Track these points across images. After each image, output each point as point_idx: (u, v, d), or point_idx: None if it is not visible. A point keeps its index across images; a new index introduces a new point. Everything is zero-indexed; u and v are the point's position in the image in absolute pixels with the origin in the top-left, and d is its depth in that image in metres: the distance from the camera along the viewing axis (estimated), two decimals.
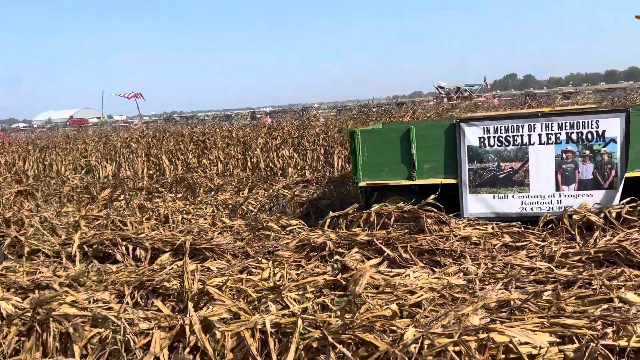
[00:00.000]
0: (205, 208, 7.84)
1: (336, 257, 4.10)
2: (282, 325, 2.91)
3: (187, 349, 2.93)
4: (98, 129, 16.26)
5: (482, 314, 3.07)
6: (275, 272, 4.08)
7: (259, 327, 2.86)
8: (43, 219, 6.87)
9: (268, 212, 7.39)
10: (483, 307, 3.19)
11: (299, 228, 6.17)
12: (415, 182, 6.18)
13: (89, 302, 3.31)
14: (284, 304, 3.50)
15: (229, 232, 6.17)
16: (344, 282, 3.65)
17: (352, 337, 2.74)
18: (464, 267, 4.39)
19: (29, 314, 3.25)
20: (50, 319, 3.11)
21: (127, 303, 3.40)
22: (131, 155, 11.15)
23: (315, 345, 2.80)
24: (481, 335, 2.69)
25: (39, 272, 4.52)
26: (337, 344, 2.71)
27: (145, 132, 13.47)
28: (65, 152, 12.00)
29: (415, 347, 2.60)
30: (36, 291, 3.94)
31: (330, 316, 2.98)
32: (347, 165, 10.46)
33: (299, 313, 3.01)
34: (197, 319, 2.95)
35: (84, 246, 5.52)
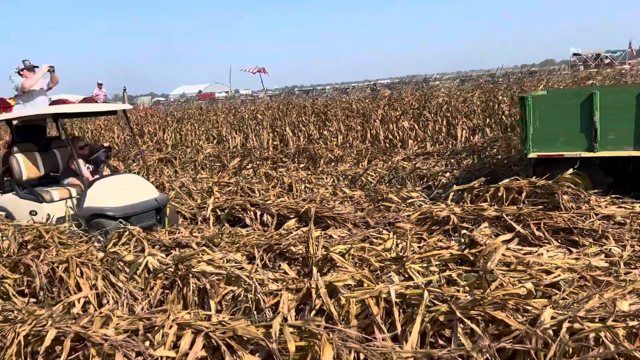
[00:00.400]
0: (326, 178, 7.97)
1: (463, 231, 3.93)
2: (407, 296, 2.86)
3: (313, 312, 3.01)
4: (227, 102, 17.24)
5: (632, 299, 2.75)
6: (398, 243, 4.03)
7: (383, 296, 2.84)
8: (181, 184, 7.48)
9: (387, 184, 7.32)
10: (632, 292, 2.87)
11: (419, 201, 6.04)
12: (597, 154, 5.60)
13: (224, 262, 3.53)
14: (406, 276, 3.46)
15: (349, 202, 6.23)
16: (471, 258, 3.50)
17: (482, 313, 2.61)
18: (606, 249, 3.98)
19: (172, 270, 3.56)
20: (190, 275, 3.37)
21: (258, 264, 3.57)
22: (257, 127, 11.68)
23: (441, 319, 2.73)
24: (631, 323, 2.42)
25: (179, 232, 4.93)
26: (465, 319, 2.61)
27: (270, 105, 13.99)
28: (198, 123, 12.92)
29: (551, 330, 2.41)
30: (176, 249, 4.30)
31: (458, 291, 2.87)
32: (471, 137, 9.99)
33: (425, 285, 2.94)
34: (323, 283, 3.01)
35: (217, 210, 5.93)
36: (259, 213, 5.87)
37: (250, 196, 6.66)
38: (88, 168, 5.90)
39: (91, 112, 6.59)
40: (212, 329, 2.34)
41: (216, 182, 7.39)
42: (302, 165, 9.20)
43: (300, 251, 3.92)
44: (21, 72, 6.70)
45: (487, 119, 10.44)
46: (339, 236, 4.75)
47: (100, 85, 18.27)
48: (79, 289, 3.70)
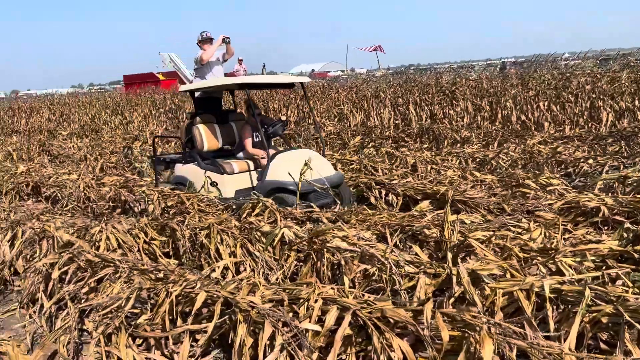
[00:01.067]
0: (452, 160, 7.63)
1: (626, 225, 3.49)
2: (563, 292, 2.59)
3: (452, 299, 2.86)
4: (349, 80, 17.20)
5: None
6: (544, 233, 3.69)
7: (535, 289, 2.60)
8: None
9: (522, 169, 6.81)
10: None
11: (561, 188, 5.53)
12: None
13: (357, 239, 3.47)
14: (554, 270, 3.15)
15: (481, 187, 5.89)
16: (636, 255, 3.09)
17: None
18: None
19: (306, 243, 3.58)
20: (325, 250, 3.37)
21: (392, 245, 3.48)
22: (379, 105, 11.52)
23: (604, 320, 2.43)
24: None
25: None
26: (636, 324, 2.29)
27: (392, 82, 13.71)
28: (321, 101, 13.05)
29: None
30: (307, 223, 4.34)
31: (626, 291, 2.54)
32: (618, 121, 8.96)
33: (585, 282, 2.64)
34: (465, 270, 2.83)
35: None
36: (383, 192, 5.76)
37: (374, 175, 6.57)
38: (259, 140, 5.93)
39: (273, 83, 6.63)
40: (359, 307, 2.29)
41: (340, 159, 7.39)
42: (425, 146, 8.91)
43: (435, 235, 3.75)
44: (199, 44, 6.80)
45: (638, 102, 9.29)
46: (470, 221, 4.49)
47: (240, 62, 19.07)
48: (219, 254, 3.89)
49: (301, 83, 6.43)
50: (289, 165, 5.23)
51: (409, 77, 14.81)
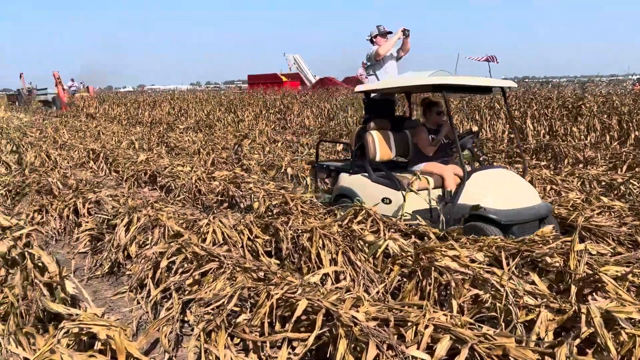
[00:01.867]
0: (574, 181, 6.96)
1: None
2: None
3: (577, 340, 2.51)
4: None
5: None
6: None
7: None
8: None
9: None
10: None
11: None
12: None
13: (469, 260, 3.21)
14: None
15: (609, 214, 5.27)
16: None
17: None
18: None
19: (412, 258, 3.38)
20: (432, 268, 3.14)
21: (508, 271, 3.17)
22: (493, 117, 10.91)
23: None
24: None
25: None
26: None
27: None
28: None
29: None
30: (412, 236, 4.12)
31: None
32: None
33: None
34: (597, 310, 2.47)
35: None
36: None
37: None
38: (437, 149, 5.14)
39: (474, 86, 4.93)
40: (476, 340, 2.06)
41: None
42: (542, 163, 8.24)
43: (557, 264, 3.37)
44: (373, 39, 6.08)
45: None
46: (598, 253, 4.00)
47: (364, 65, 19.38)
48: (319, 259, 3.80)
49: (501, 88, 5.38)
50: (489, 188, 4.35)
51: (529, 88, 13.89)
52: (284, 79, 29.15)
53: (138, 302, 3.43)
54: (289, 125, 14.77)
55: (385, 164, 5.28)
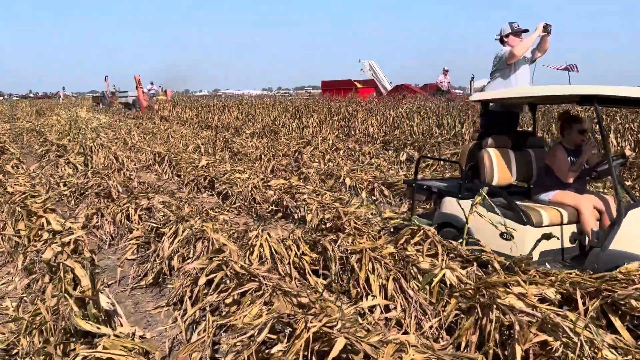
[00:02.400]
0: None
1: None
2: None
3: None
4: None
5: None
6: None
7: None
8: None
9: None
10: None
11: None
12: None
13: (537, 300, 2.80)
14: None
15: None
16: None
17: None
18: None
19: (471, 292, 3.01)
20: (494, 306, 2.76)
21: (586, 316, 2.73)
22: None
23: None
24: None
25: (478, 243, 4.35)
26: None
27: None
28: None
29: None
30: (474, 264, 3.73)
31: None
32: None
33: None
34: None
35: None
36: None
37: None
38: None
39: (635, 98, 3.72)
40: None
41: None
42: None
43: None
44: (504, 39, 5.09)
45: None
46: None
47: (446, 72, 18.49)
48: (368, 284, 3.51)
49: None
50: None
51: None
52: (359, 85, 28.42)
53: (175, 319, 3.29)
54: (352, 132, 14.50)
55: (504, 189, 4.37)
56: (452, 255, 3.87)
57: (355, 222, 4.81)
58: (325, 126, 15.99)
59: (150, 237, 4.41)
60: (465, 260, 3.80)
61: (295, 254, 4.05)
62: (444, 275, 3.21)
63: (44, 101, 57.63)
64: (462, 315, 3.02)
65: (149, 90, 32.72)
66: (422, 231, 4.22)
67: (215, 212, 6.04)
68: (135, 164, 10.10)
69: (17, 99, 74.44)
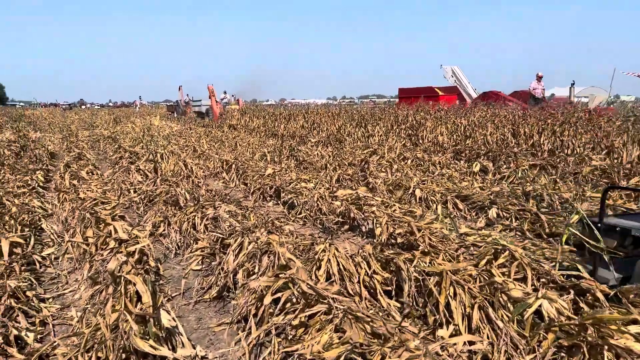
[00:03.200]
0: None
1: None
2: None
3: None
4: (622, 108, 14.30)
5: None
6: None
7: None
8: (563, 200, 6.28)
9: None
10: None
11: None
12: None
13: None
14: None
15: None
16: None
17: None
18: None
19: (575, 327, 2.59)
20: (605, 347, 2.34)
21: None
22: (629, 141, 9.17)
23: None
24: None
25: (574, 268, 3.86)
26: None
27: None
28: (584, 129, 11.11)
29: None
30: (572, 291, 3.27)
31: None
32: None
33: None
34: None
35: None
36: None
37: None
38: None
39: None
40: None
41: (613, 206, 5.88)
42: None
43: None
44: None
45: None
46: None
47: (539, 79, 17.37)
48: (449, 310, 3.16)
49: None
50: None
51: None
52: (440, 92, 26.57)
53: (239, 340, 3.08)
54: (420, 141, 14.01)
55: None
56: (543, 280, 3.43)
57: (430, 238, 4.45)
58: (392, 135, 15.59)
59: (216, 248, 4.26)
60: (560, 287, 3.35)
61: (366, 272, 3.75)
62: (539, 305, 2.80)
63: (121, 110, 60.91)
64: (562, 354, 2.61)
65: (222, 99, 33.40)
66: (507, 252, 3.80)
67: (281, 222, 5.85)
68: (203, 172, 10.19)
69: (98, 108, 79.20)
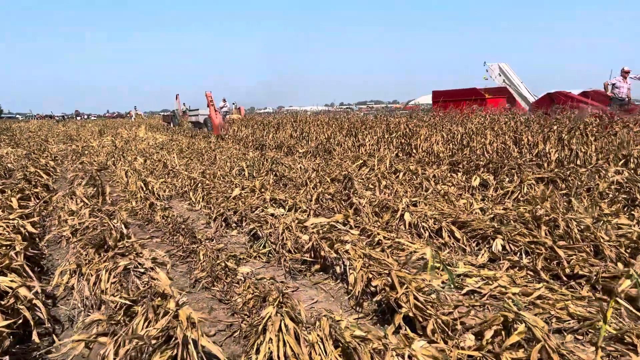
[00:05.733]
0: None
1: None
2: None
3: None
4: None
5: None
6: None
7: None
8: (583, 227, 5.14)
9: None
10: None
11: None
12: None
13: None
14: None
15: None
16: None
17: None
18: None
19: None
20: None
21: None
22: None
23: None
24: None
25: None
26: None
27: None
28: (598, 135, 9.96)
29: None
30: None
31: None
32: None
33: None
34: None
35: None
36: None
37: None
38: None
39: None
40: None
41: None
42: None
43: None
44: None
45: None
46: None
47: (625, 75, 14.46)
48: None
49: None
50: None
51: None
52: (487, 95, 22.83)
53: None
54: (414, 151, 12.87)
55: None
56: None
57: (416, 297, 3.30)
58: (384, 144, 14.46)
59: (117, 319, 3.10)
60: None
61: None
62: None
63: (115, 120, 59.74)
64: None
65: (222, 107, 30.18)
66: (523, 324, 2.66)
67: (236, 261, 4.73)
68: (170, 191, 9.05)
69: (94, 118, 78.12)
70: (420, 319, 3.14)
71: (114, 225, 5.01)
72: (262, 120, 24.53)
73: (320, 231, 5.03)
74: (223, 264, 4.60)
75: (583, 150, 9.65)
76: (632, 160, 8.48)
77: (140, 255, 4.01)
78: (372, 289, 3.83)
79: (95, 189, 6.96)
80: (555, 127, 10.75)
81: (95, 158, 12.65)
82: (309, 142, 17.61)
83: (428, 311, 3.11)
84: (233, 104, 33.64)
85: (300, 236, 4.96)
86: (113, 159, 13.58)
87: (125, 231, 5.14)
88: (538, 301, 3.83)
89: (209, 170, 11.28)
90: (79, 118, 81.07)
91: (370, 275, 3.81)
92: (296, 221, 5.33)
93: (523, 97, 21.83)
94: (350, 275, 3.99)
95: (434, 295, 3.38)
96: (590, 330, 3.30)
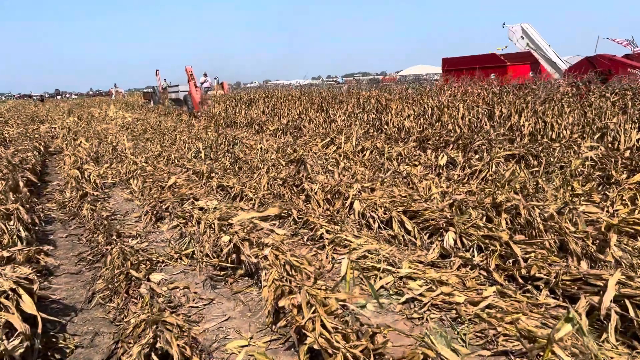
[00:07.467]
0: None
1: None
2: None
3: None
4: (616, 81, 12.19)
5: None
6: None
7: None
8: (546, 216, 4.52)
9: None
10: None
11: None
12: None
13: None
14: None
15: None
16: None
17: None
18: None
19: None
20: None
21: None
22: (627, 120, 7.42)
23: None
24: None
25: None
26: None
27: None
28: (571, 107, 9.31)
29: None
30: None
31: None
32: None
33: None
34: None
35: None
36: None
37: None
38: None
39: None
40: None
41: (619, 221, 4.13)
42: None
43: None
44: None
45: None
46: None
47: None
48: None
49: None
50: None
51: None
52: (508, 62, 19.94)
53: None
54: (385, 127, 12.17)
55: None
56: None
57: (326, 321, 2.65)
58: (355, 119, 13.73)
59: None
60: None
61: None
62: None
63: (94, 99, 58.06)
64: None
65: (202, 83, 27.88)
66: None
67: (144, 269, 4.08)
68: (112, 179, 8.31)
69: (76, 97, 76.15)
70: (330, 352, 2.50)
71: (7, 229, 4.30)
72: (234, 96, 23.61)
73: (246, 229, 4.36)
74: (125, 273, 3.92)
75: (558, 122, 9.01)
76: (608, 133, 7.86)
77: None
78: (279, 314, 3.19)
79: (5, 182, 6.20)
80: (529, 98, 10.08)
81: (55, 141, 11.80)
82: (280, 119, 16.83)
83: (335, 339, 2.47)
84: (215, 78, 31.34)
85: (221, 236, 4.28)
86: (66, 142, 12.75)
87: (23, 235, 4.44)
88: (485, 313, 3.22)
89: (165, 153, 10.54)
90: (59, 97, 78.98)
91: (283, 290, 3.16)
92: (218, 220, 4.63)
93: (552, 63, 18.46)
94: (264, 288, 3.34)
95: (349, 318, 2.73)
96: (540, 354, 2.69)
